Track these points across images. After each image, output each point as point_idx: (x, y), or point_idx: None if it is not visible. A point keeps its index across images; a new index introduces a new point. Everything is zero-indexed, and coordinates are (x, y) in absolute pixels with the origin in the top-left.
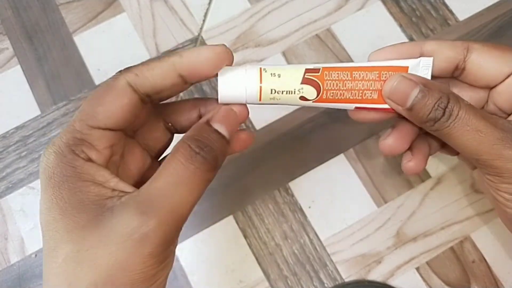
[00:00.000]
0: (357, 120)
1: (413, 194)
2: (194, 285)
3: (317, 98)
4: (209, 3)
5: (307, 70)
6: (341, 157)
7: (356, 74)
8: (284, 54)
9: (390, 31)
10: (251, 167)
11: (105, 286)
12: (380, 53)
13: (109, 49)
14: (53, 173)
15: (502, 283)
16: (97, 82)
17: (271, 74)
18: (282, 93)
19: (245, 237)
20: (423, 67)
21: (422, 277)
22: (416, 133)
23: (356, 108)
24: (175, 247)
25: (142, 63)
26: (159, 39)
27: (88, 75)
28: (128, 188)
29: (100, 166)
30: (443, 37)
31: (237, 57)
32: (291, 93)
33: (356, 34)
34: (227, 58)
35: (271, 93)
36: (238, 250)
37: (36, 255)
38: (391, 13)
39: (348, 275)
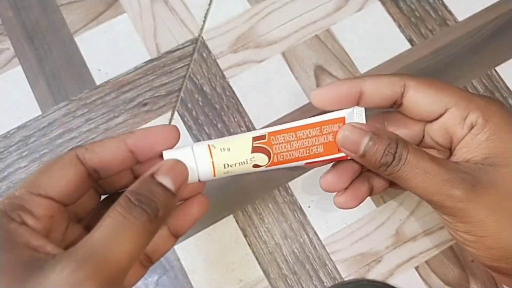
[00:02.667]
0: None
1: (411, 194)
2: (194, 284)
3: (269, 163)
4: (210, 4)
5: (254, 139)
6: None
7: (300, 133)
8: (283, 54)
9: (389, 31)
10: None
11: None
12: (321, 92)
13: (110, 50)
14: None
15: None
16: (97, 82)
17: (221, 149)
18: (235, 165)
19: (245, 236)
20: (357, 114)
21: (421, 276)
22: (356, 173)
23: (306, 163)
24: None
25: (95, 141)
26: (160, 40)
27: (89, 76)
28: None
29: (35, 231)
30: (442, 37)
31: (237, 58)
32: (244, 163)
33: (355, 35)
34: (176, 137)
35: (225, 167)
36: (238, 249)
37: None
38: (390, 13)
39: (347, 274)
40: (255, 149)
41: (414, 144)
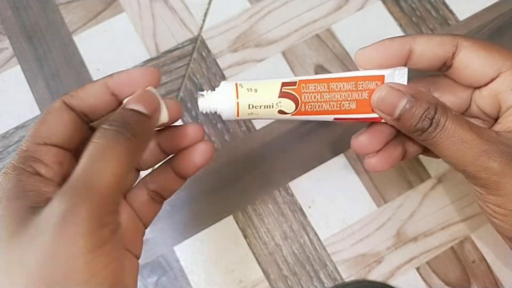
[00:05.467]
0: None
1: (413, 194)
2: (194, 285)
3: (296, 111)
4: (209, 3)
5: (284, 84)
6: (341, 157)
7: (333, 85)
8: (284, 54)
9: (390, 31)
10: (251, 167)
11: (39, 286)
12: (367, 51)
13: (109, 49)
14: None
15: (502, 283)
16: None
17: (248, 89)
18: (260, 107)
19: (245, 237)
20: (399, 75)
21: (422, 277)
22: (390, 135)
23: (335, 119)
24: (115, 234)
25: (79, 87)
26: (159, 39)
27: (88, 75)
28: None
29: (48, 179)
30: None
31: (237, 57)
32: (269, 107)
33: (356, 34)
34: (155, 79)
35: (249, 108)
36: (238, 250)
37: None
38: (391, 12)
39: (348, 275)
40: (283, 94)
41: (459, 112)
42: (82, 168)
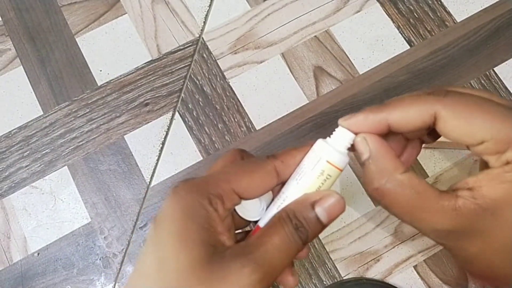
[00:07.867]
0: None
1: None
2: None
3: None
4: (210, 5)
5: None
6: None
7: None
8: (283, 55)
9: (388, 32)
10: None
11: None
12: (348, 123)
13: (111, 51)
14: (188, 205)
15: None
16: (99, 82)
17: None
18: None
19: None
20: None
21: (420, 275)
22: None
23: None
24: None
25: (286, 151)
26: (160, 41)
27: (90, 76)
28: (232, 243)
29: (220, 220)
30: (441, 38)
31: (237, 59)
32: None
33: (354, 36)
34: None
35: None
36: None
37: (38, 254)
38: (389, 14)
39: (346, 273)
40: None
41: None
42: (273, 249)
